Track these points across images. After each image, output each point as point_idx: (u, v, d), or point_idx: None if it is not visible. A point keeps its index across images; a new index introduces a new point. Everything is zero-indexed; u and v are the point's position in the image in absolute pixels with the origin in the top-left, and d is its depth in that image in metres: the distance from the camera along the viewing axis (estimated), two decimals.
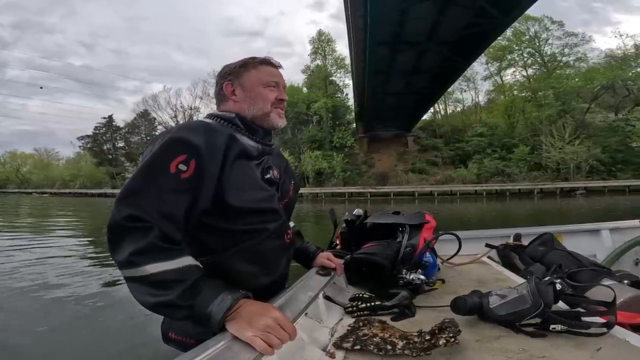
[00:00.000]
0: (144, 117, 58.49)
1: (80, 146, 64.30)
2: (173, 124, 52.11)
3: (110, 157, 60.99)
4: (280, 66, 1.19)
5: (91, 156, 62.16)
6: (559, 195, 28.44)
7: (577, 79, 37.22)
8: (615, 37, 45.16)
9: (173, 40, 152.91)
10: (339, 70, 47.62)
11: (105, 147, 62.04)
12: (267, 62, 1.16)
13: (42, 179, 68.71)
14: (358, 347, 1.02)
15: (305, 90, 47.20)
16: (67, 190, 57.58)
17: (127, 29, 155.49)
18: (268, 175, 1.07)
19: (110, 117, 61.76)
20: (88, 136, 62.39)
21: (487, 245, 2.25)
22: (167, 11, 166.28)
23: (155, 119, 57.41)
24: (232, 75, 1.14)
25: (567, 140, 32.58)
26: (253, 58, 1.16)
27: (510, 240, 2.29)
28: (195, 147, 0.89)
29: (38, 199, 47.70)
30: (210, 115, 1.12)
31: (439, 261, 1.87)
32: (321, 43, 47.72)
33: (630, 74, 35.05)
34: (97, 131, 61.87)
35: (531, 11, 35.28)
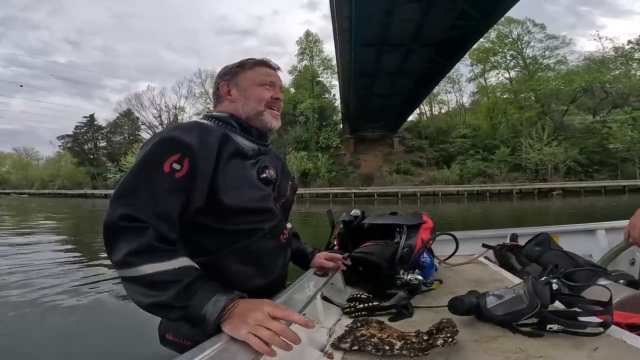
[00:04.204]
0: (127, 116, 57.27)
1: (60, 146, 62.51)
2: (157, 124, 51.36)
3: (92, 157, 59.33)
4: (278, 68, 1.19)
5: (71, 156, 60.37)
6: (536, 196, 28.96)
7: (556, 82, 37.98)
8: (595, 40, 46.49)
9: (163, 38, 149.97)
10: (326, 71, 47.79)
11: (86, 147, 60.33)
12: (264, 63, 1.16)
13: (21, 179, 66.82)
14: (356, 347, 1.02)
15: (292, 90, 46.99)
16: (47, 191, 55.96)
17: (116, 26, 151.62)
18: (264, 175, 1.07)
19: (91, 116, 60.17)
20: (68, 135, 60.61)
21: (484, 245, 2.25)
22: (158, 8, 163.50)
23: (138, 118, 56.46)
24: (228, 76, 1.14)
25: (545, 142, 33.29)
26: (251, 59, 1.16)
27: (507, 241, 2.29)
28: (188, 146, 0.88)
29: (16, 199, 46.36)
30: (205, 116, 1.11)
31: (436, 261, 1.88)
32: (309, 44, 47.76)
33: (608, 76, 36.00)
34: (78, 130, 60.18)
35: (515, 14, 36.15)
